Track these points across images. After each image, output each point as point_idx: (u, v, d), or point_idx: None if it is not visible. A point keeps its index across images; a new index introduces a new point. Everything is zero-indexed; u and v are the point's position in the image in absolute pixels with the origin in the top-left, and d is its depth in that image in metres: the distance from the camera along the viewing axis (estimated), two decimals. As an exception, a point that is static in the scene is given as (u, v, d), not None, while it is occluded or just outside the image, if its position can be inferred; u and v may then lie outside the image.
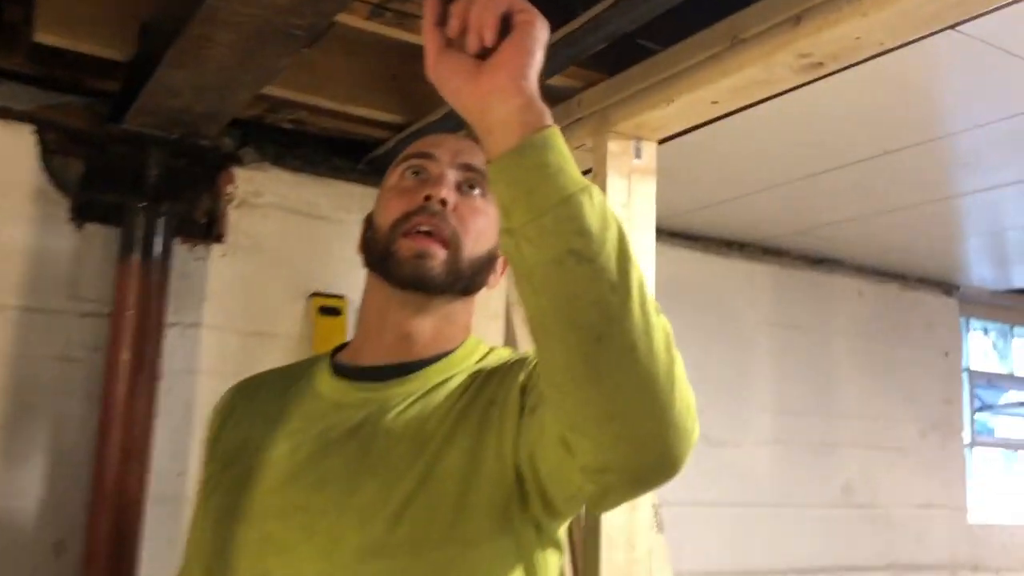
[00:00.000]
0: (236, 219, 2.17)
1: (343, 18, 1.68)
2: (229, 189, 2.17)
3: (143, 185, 1.97)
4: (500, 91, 0.74)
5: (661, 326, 0.73)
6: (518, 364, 0.97)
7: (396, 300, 1.03)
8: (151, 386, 1.95)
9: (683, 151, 2.20)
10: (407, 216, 1.01)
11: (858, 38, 1.37)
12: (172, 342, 2.04)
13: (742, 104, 1.64)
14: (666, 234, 2.86)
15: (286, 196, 2.23)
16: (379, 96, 2.10)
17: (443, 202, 1.01)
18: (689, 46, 1.63)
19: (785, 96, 1.87)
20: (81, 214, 1.99)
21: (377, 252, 1.03)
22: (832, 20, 1.36)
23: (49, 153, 1.98)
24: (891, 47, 1.41)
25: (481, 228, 1.03)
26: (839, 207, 2.75)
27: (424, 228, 1.00)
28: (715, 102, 1.64)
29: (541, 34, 0.75)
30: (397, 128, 2.17)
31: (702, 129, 2.05)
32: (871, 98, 1.98)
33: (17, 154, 1.94)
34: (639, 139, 1.85)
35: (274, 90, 1.98)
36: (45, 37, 1.76)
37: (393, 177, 1.08)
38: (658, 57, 1.70)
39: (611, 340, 0.70)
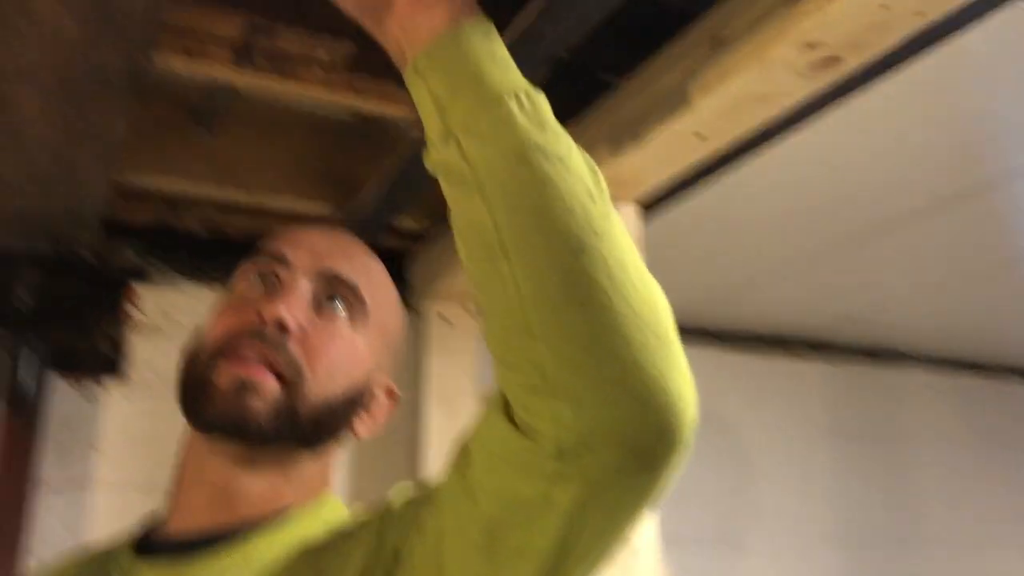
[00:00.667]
0: (139, 348, 1.76)
1: (240, 80, 1.32)
2: (130, 311, 1.77)
3: (5, 311, 1.59)
4: (424, 6, 0.61)
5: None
6: (367, 527, 0.70)
7: (210, 447, 0.76)
8: (11, 565, 1.51)
9: (675, 223, 1.75)
10: (231, 339, 0.75)
11: (884, 6, 0.95)
12: (47, 507, 1.61)
13: (736, 132, 1.21)
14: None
15: (204, 317, 1.82)
16: (304, 182, 1.71)
17: (282, 326, 0.74)
18: (657, 63, 1.22)
19: (805, 127, 1.44)
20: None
21: (190, 382, 0.76)
22: (843, -17, 0.94)
23: None
24: (934, 19, 0.98)
25: (339, 359, 0.78)
26: (891, 281, 2.24)
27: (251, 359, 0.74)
28: (699, 134, 1.21)
29: None
30: (331, 220, 1.78)
31: (698, 187, 1.62)
32: (916, 118, 1.50)
33: None
34: (615, 201, 1.41)
35: (164, 183, 1.63)
36: None
37: (237, 281, 0.83)
38: (623, 85, 1.29)
39: (596, 251, 0.57)
